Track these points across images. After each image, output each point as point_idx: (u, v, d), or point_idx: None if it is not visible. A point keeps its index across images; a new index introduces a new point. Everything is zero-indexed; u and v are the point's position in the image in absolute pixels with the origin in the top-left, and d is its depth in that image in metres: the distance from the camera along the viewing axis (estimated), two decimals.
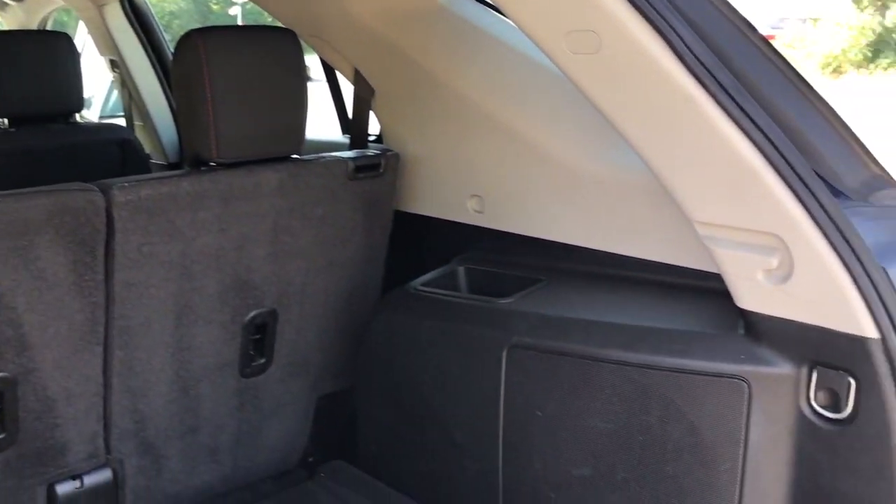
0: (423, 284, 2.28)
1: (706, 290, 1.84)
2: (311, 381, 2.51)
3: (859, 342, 1.48)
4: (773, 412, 1.62)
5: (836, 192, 1.66)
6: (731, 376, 1.65)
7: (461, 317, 2.10)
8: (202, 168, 2.11)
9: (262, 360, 2.36)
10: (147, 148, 3.78)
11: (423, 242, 2.59)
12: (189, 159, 2.16)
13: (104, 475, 2.15)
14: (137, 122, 4.02)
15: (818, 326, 1.54)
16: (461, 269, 2.34)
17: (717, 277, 1.71)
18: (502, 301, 2.06)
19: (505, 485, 2.02)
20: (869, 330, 1.47)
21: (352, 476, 2.42)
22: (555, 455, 1.90)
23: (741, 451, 1.65)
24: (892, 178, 1.72)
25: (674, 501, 1.73)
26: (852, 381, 1.51)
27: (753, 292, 1.61)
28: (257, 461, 2.48)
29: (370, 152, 2.39)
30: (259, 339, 2.34)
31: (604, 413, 1.80)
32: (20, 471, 1.98)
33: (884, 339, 1.47)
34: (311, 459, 2.59)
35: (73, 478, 2.11)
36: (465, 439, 2.10)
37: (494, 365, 1.98)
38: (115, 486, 2.18)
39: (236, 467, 2.43)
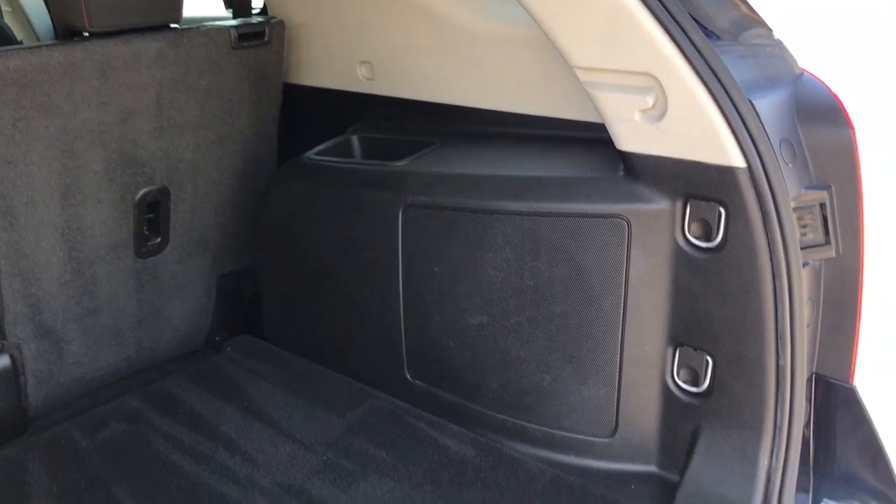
0: (318, 154, 2.27)
1: (590, 140, 1.91)
2: (211, 260, 2.50)
3: (728, 172, 1.57)
4: (651, 246, 1.71)
5: (708, 33, 1.72)
6: (613, 216, 1.73)
7: (356, 181, 2.12)
8: (75, 38, 2.01)
9: (158, 240, 2.33)
10: (19, 35, 3.56)
11: (315, 115, 2.57)
12: (61, 30, 2.06)
13: (2, 361, 2.12)
14: (6, 9, 3.77)
15: (691, 161, 1.62)
16: (355, 139, 2.34)
17: (600, 127, 1.77)
18: (397, 164, 2.08)
19: (407, 340, 2.09)
20: (737, 160, 1.56)
21: (259, 349, 2.45)
22: (452, 307, 1.96)
23: (623, 286, 1.75)
24: (759, 17, 1.79)
25: (563, 338, 1.83)
26: (722, 210, 1.61)
27: (631, 133, 1.67)
28: (162, 342, 2.48)
29: (254, 20, 2.33)
30: (153, 218, 2.30)
31: (497, 263, 1.87)
32: None
33: (750, 168, 1.56)
34: (217, 339, 2.60)
35: None
36: (367, 302, 2.15)
37: (391, 226, 2.01)
38: (15, 371, 2.15)
39: (140, 348, 2.43)
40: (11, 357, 2.13)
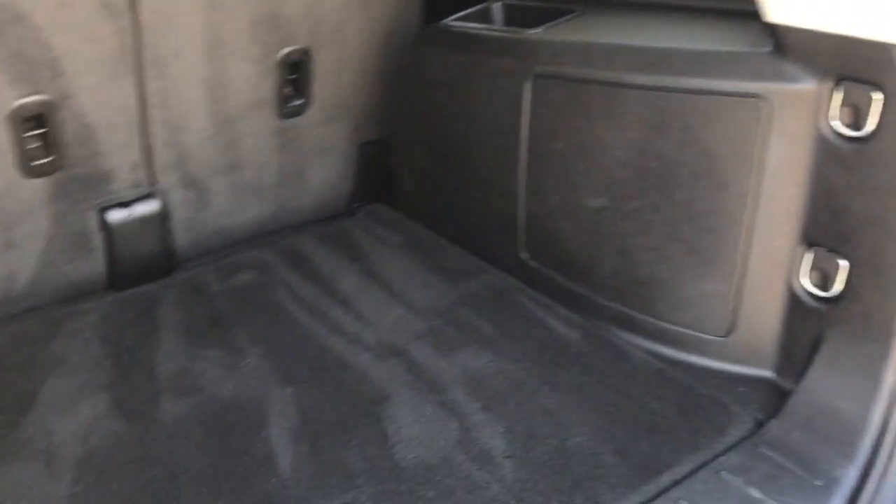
0: (456, 20, 2.20)
1: (739, 12, 1.71)
2: (352, 126, 2.53)
3: (888, 50, 1.36)
4: (791, 132, 1.54)
5: None
6: (752, 95, 1.56)
7: (487, 48, 2.04)
8: None
9: (300, 102, 2.38)
10: None
11: None
12: None
13: (152, 205, 2.27)
14: None
15: (847, 36, 1.42)
16: (497, 6, 2.24)
17: None
18: (530, 31, 1.97)
19: (527, 218, 2.04)
20: None
21: (390, 217, 2.48)
22: (572, 187, 1.88)
23: (755, 175, 1.59)
24: None
25: (684, 228, 1.71)
26: (877, 96, 1.41)
27: (782, 2, 1.48)
28: (303, 203, 2.56)
29: None
30: (296, 78, 2.35)
31: (621, 142, 1.76)
32: (71, 194, 2.11)
33: None
34: (356, 206, 2.66)
35: (123, 205, 2.23)
36: (490, 176, 2.11)
37: (518, 97, 1.93)
38: (164, 215, 2.30)
39: (282, 208, 2.53)
40: (161, 202, 2.28)
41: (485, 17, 2.22)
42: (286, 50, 2.26)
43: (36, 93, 1.93)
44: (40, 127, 1.99)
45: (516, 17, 2.17)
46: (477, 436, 1.59)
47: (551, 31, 1.94)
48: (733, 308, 1.69)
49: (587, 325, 1.90)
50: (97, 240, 2.22)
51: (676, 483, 1.46)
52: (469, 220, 2.23)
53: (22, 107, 1.92)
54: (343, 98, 2.46)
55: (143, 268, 2.30)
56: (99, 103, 2.03)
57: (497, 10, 2.23)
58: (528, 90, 1.90)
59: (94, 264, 2.23)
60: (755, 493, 1.41)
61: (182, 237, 2.36)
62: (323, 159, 2.54)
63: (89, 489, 1.49)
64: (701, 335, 1.75)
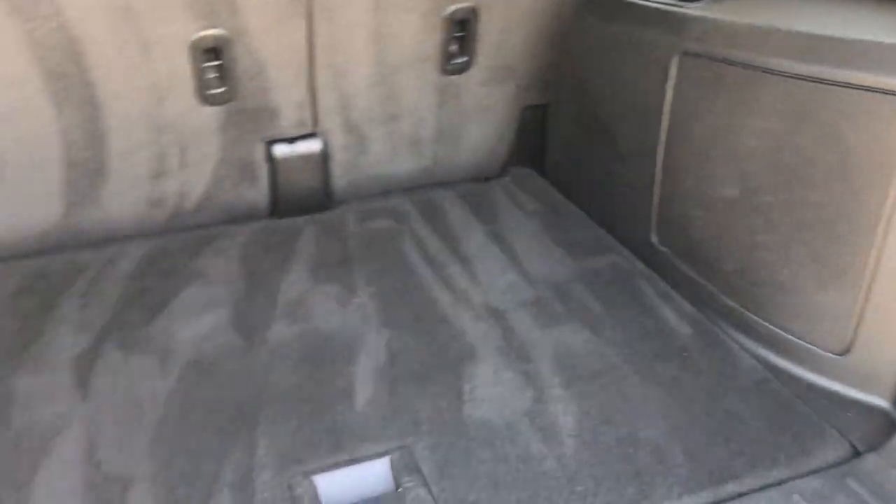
0: None
1: None
2: (515, 89, 2.53)
3: None
4: None
5: None
6: None
7: (641, 20, 1.96)
8: None
9: (464, 59, 2.42)
10: None
11: None
12: None
13: (315, 144, 2.42)
14: None
15: None
16: None
17: None
18: (686, 5, 1.87)
19: (660, 201, 1.96)
20: None
21: (534, 184, 2.48)
22: (705, 173, 1.78)
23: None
24: None
25: (812, 231, 1.57)
26: None
27: None
28: (458, 160, 2.61)
29: None
30: (461, 36, 2.38)
31: (759, 131, 1.64)
32: (241, 124, 2.30)
33: None
34: (510, 169, 2.68)
35: (287, 141, 2.40)
36: (630, 151, 2.04)
37: (665, 72, 1.85)
38: (325, 156, 2.44)
39: (437, 163, 2.59)
40: (323, 143, 2.42)
41: None
42: (453, 7, 2.30)
43: (214, 26, 2.11)
44: (217, 59, 2.17)
45: None
46: (548, 410, 1.57)
47: (708, 6, 1.83)
48: (854, 325, 1.54)
49: (701, 320, 1.81)
50: (262, 170, 2.40)
51: (740, 496, 1.37)
52: (608, 195, 2.18)
53: (201, 39, 2.11)
54: (507, 60, 2.46)
55: (301, 201, 2.47)
56: (270, 41, 2.18)
57: None
58: (674, 66, 1.82)
59: (257, 192, 2.42)
60: None
61: (340, 179, 2.50)
62: (482, 119, 2.56)
63: (189, 388, 1.65)
64: (815, 349, 1.61)
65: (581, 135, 2.27)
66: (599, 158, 2.18)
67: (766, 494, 1.36)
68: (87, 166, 2.20)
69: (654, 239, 2.00)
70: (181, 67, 2.14)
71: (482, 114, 2.55)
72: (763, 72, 1.61)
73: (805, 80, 1.52)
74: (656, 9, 1.94)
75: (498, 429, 1.53)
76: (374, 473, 1.46)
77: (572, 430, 1.53)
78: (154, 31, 2.06)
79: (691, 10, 1.84)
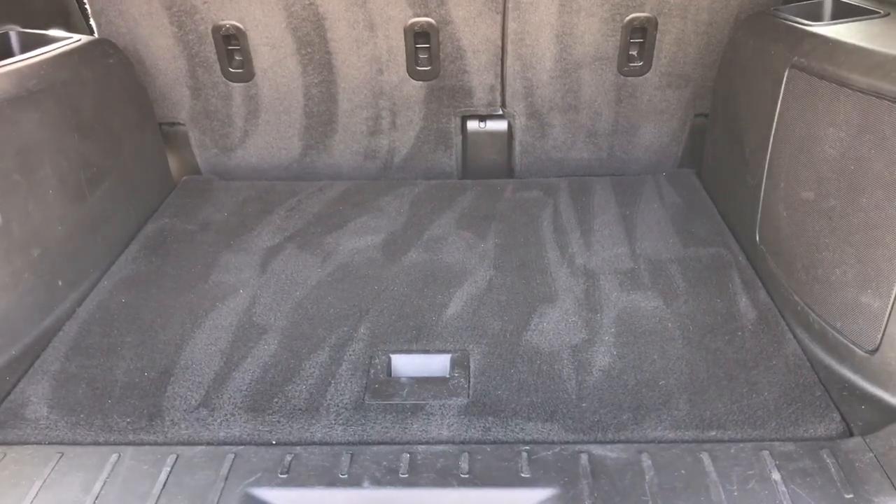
0: (783, 10, 2.29)
1: None
2: (690, 96, 2.76)
3: None
4: None
5: None
6: None
7: (772, 35, 2.13)
8: None
9: (640, 64, 2.70)
10: None
11: None
12: None
13: (501, 124, 2.84)
14: None
15: None
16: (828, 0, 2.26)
17: None
18: (810, 22, 2.03)
19: (763, 203, 2.12)
20: None
21: (685, 181, 2.69)
22: (794, 177, 1.93)
23: None
24: None
25: (859, 235, 1.69)
26: None
27: None
28: (632, 156, 2.89)
29: None
30: (639, 43, 2.67)
31: (833, 139, 1.77)
32: (441, 99, 2.79)
33: None
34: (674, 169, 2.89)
35: (479, 118, 2.84)
36: (750, 155, 2.21)
37: (777, 83, 2.02)
38: (509, 136, 2.86)
39: (612, 155, 2.89)
40: (508, 124, 2.84)
41: (813, 10, 2.27)
42: (632, 15, 2.59)
43: (426, 15, 2.61)
44: (426, 42, 2.68)
45: (841, 12, 2.18)
46: (591, 349, 1.86)
47: (832, 27, 1.97)
48: (883, 327, 1.65)
49: (770, 309, 1.97)
50: (455, 140, 2.88)
51: (716, 441, 1.58)
52: (735, 196, 2.36)
53: (415, 24, 2.62)
54: (683, 68, 2.69)
55: (485, 171, 2.91)
56: (470, 32, 2.64)
57: (828, 3, 2.26)
58: (785, 78, 1.99)
59: (449, 158, 2.90)
60: (776, 477, 1.47)
61: (521, 157, 2.90)
62: (657, 120, 2.82)
63: (333, 281, 2.17)
64: (852, 346, 1.72)
65: (725, 141, 2.45)
66: (733, 162, 2.36)
67: (739, 445, 1.55)
68: (320, 118, 2.82)
69: (757, 237, 2.16)
70: (397, 46, 2.67)
71: (657, 116, 2.80)
72: (840, 84, 1.75)
73: (870, 94, 1.66)
74: (783, 23, 2.11)
75: (543, 353, 1.85)
76: (435, 363, 1.86)
77: (602, 366, 1.80)
78: (379, 14, 2.61)
79: (807, 27, 1.99)
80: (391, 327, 1.96)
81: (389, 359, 1.85)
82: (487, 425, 1.63)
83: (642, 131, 2.83)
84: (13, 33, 2.38)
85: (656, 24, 2.60)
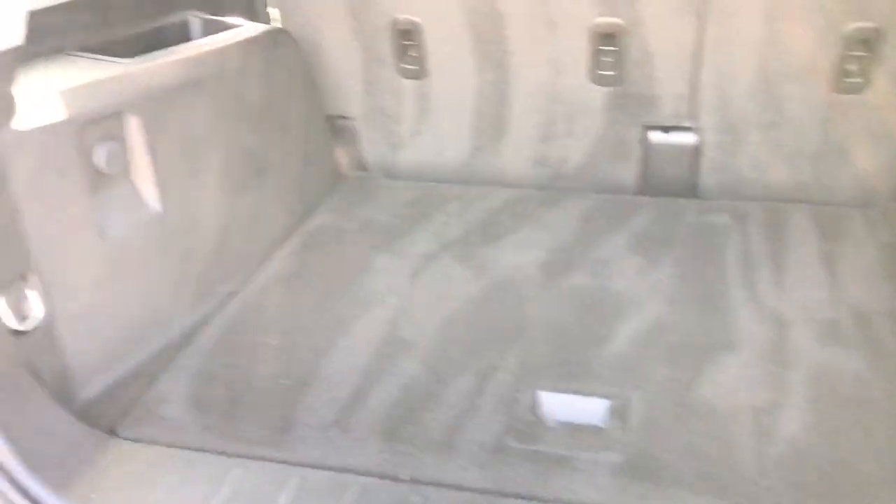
0: None
1: None
2: None
3: None
4: None
5: None
6: None
7: None
8: None
9: (860, 80, 2.35)
10: None
11: None
12: None
13: (689, 137, 2.57)
14: None
15: None
16: None
17: None
18: None
19: None
20: None
21: (873, 216, 2.33)
22: None
23: None
24: None
25: None
26: None
27: None
28: (838, 183, 2.53)
29: None
30: (862, 56, 2.32)
31: None
32: (623, 107, 2.56)
33: None
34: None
35: (663, 129, 2.59)
36: None
37: None
38: (697, 151, 2.58)
39: (816, 180, 2.55)
40: (697, 137, 2.57)
41: None
42: (855, 25, 2.26)
43: (613, 15, 2.39)
44: (610, 44, 2.46)
45: None
46: (778, 412, 1.60)
47: None
48: None
49: None
50: (635, 152, 2.64)
51: None
52: None
53: (600, 24, 2.41)
54: None
55: (667, 187, 2.65)
56: (661, 35, 2.40)
57: None
58: None
59: (628, 171, 2.67)
60: None
61: (708, 175, 2.62)
62: (873, 146, 2.45)
63: (484, 299, 2.02)
64: None
65: None
66: None
67: None
68: (491, 120, 2.67)
69: None
70: (578, 48, 2.47)
71: (873, 140, 2.44)
72: None
73: None
74: None
75: (718, 411, 1.61)
76: (589, 407, 1.65)
77: (789, 436, 1.53)
78: (561, 13, 2.42)
79: None
80: (542, 359, 1.78)
81: (537, 395, 1.67)
82: (644, 492, 1.42)
83: (854, 157, 2.47)
84: (193, 18, 2.38)
85: (884, 35, 2.24)
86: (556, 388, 1.69)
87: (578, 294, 2.03)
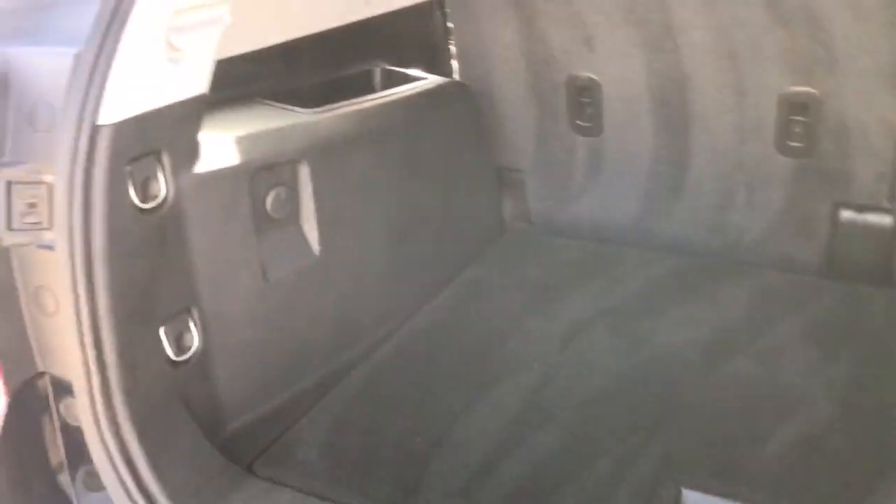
0: None
1: None
2: None
3: None
4: None
5: None
6: None
7: None
8: None
9: None
10: None
11: None
12: None
13: (886, 219, 2.34)
14: None
15: None
16: None
17: None
18: None
19: None
20: None
21: None
22: None
23: None
24: None
25: None
26: None
27: None
28: None
29: None
30: None
31: None
32: (812, 181, 2.37)
33: None
34: None
35: (856, 208, 2.37)
36: None
37: None
38: (894, 234, 2.35)
39: None
40: (894, 220, 2.34)
41: None
42: None
43: (807, 84, 2.23)
44: (802, 115, 2.29)
45: None
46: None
47: None
48: None
49: None
50: (823, 229, 2.43)
51: None
52: None
53: (792, 93, 2.26)
54: None
55: (856, 272, 2.42)
56: (861, 108, 2.21)
57: None
58: None
59: (812, 250, 2.47)
60: None
61: None
62: None
63: (636, 376, 1.93)
64: None
65: None
66: None
67: None
68: (666, 183, 2.56)
69: None
70: (767, 115, 2.32)
71: None
72: None
73: None
74: None
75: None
76: None
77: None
78: (751, 79, 2.29)
79: None
80: (691, 452, 1.66)
81: (681, 494, 1.55)
82: None
83: None
84: (377, 70, 2.46)
85: None
86: (702, 488, 1.56)
87: (740, 383, 1.88)
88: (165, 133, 1.53)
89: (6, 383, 1.52)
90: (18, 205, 1.44)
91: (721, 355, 1.99)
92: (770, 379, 1.89)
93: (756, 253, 2.50)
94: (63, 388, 1.55)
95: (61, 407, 1.59)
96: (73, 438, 1.57)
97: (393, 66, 2.54)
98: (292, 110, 1.94)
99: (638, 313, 2.19)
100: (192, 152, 1.62)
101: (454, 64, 2.74)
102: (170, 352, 1.61)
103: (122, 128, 1.43)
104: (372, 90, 2.38)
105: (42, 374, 1.58)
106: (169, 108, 1.53)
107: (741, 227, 2.51)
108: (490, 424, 1.77)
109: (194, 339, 1.66)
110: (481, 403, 1.84)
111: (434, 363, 2.00)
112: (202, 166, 1.64)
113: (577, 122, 2.60)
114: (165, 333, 1.59)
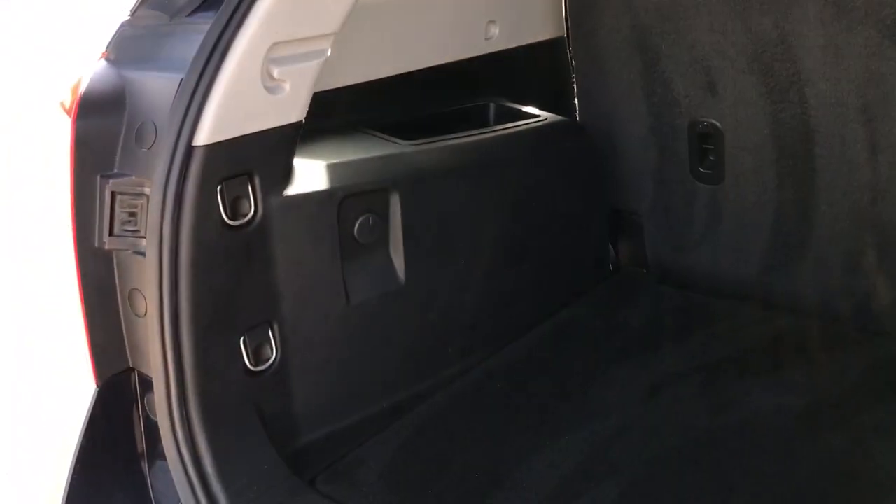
0: None
1: None
2: None
3: None
4: None
5: None
6: None
7: None
8: None
9: None
10: None
11: None
12: None
13: None
14: None
15: None
16: None
17: None
18: None
19: None
20: None
21: None
22: None
23: None
24: None
25: None
26: None
27: None
28: None
29: None
30: None
31: None
32: None
33: None
34: None
35: None
36: None
37: None
38: None
39: None
40: None
41: None
42: None
43: None
44: None
45: None
46: None
47: None
48: None
49: None
50: None
51: None
52: None
53: None
54: None
55: None
56: None
57: None
58: None
59: None
60: None
61: None
62: None
63: (716, 442, 1.83)
64: None
65: None
66: None
67: None
68: (790, 239, 2.43)
69: None
70: None
71: None
72: None
73: None
74: None
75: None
76: None
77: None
78: (887, 136, 2.14)
79: None
80: None
81: None
82: None
83: None
84: (492, 105, 2.49)
85: None
86: None
87: (832, 459, 1.74)
88: (258, 156, 1.63)
89: (97, 375, 1.67)
90: (120, 214, 1.58)
91: (817, 428, 1.85)
92: (867, 458, 1.74)
93: (882, 321, 2.32)
94: (147, 385, 1.67)
95: (145, 402, 1.71)
96: (153, 432, 1.69)
97: (513, 102, 2.56)
98: (392, 141, 2.01)
99: (734, 373, 2.08)
100: (283, 175, 1.71)
101: (576, 102, 2.72)
102: (247, 361, 1.70)
103: (215, 149, 1.54)
104: (485, 125, 2.41)
105: (131, 369, 1.71)
106: (263, 133, 1.63)
107: (869, 292, 2.34)
108: (554, 471, 1.74)
109: (272, 352, 1.75)
110: (549, 448, 1.81)
111: (510, 401, 1.99)
112: (292, 189, 1.73)
113: (699, 168, 2.51)
114: (244, 343, 1.69)
